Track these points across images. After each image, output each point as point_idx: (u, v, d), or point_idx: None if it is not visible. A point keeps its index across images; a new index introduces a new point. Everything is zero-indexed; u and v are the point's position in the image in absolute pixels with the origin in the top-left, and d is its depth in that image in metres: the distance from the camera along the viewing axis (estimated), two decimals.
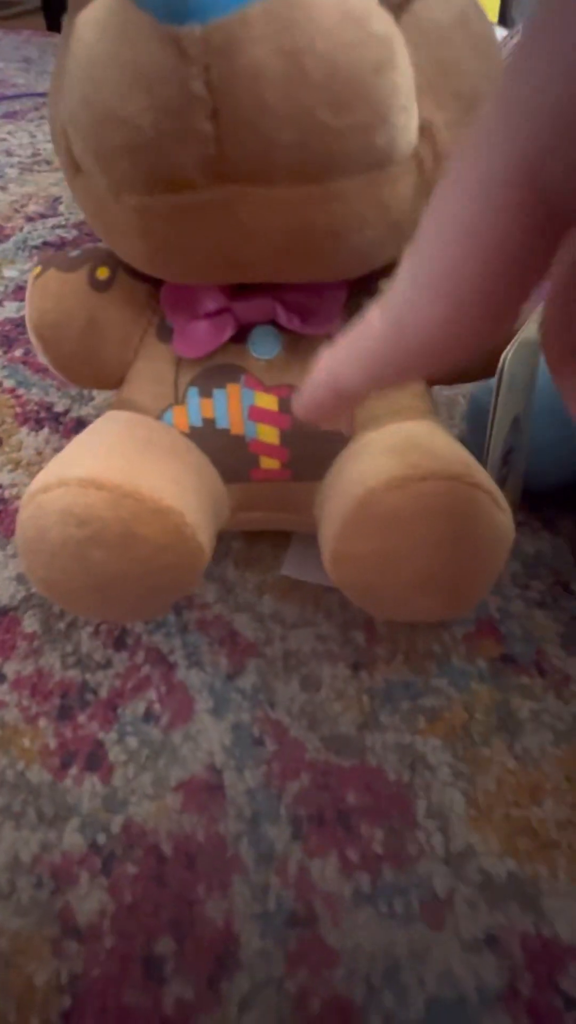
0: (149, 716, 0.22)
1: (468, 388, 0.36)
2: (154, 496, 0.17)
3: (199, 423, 0.21)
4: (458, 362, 0.11)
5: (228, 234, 0.16)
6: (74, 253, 0.23)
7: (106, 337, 0.22)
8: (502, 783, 0.21)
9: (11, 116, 0.76)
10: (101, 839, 0.19)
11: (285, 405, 0.20)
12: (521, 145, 0.08)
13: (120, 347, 0.22)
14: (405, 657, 0.24)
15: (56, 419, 0.33)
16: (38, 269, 0.23)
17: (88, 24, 0.14)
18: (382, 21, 0.13)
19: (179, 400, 0.21)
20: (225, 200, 0.15)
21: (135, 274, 0.22)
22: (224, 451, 0.21)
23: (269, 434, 0.21)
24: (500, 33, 0.44)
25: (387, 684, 0.23)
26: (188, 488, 0.19)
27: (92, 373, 0.23)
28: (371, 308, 0.12)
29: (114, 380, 0.23)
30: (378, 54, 0.13)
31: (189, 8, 0.12)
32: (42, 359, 0.24)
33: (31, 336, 0.23)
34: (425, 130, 0.16)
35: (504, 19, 0.54)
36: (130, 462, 0.18)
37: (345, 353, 0.13)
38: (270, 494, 0.22)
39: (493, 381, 0.28)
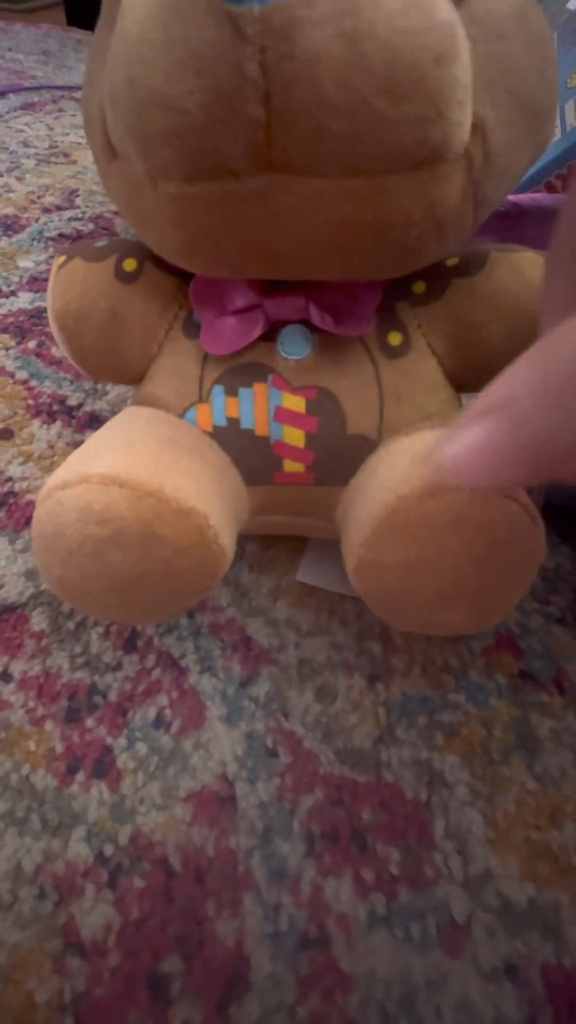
0: (159, 722, 0.21)
1: None
2: (177, 496, 0.17)
3: (223, 422, 0.20)
4: None
5: (268, 226, 0.15)
6: (100, 243, 0.23)
7: (130, 330, 0.22)
8: (521, 804, 0.20)
9: (29, 107, 0.76)
10: (108, 850, 0.18)
11: (312, 407, 0.20)
12: None
13: (143, 341, 0.22)
14: (422, 670, 0.24)
15: (69, 412, 0.33)
16: (62, 258, 0.22)
17: (138, 1, 0.13)
18: (446, 9, 0.13)
19: (203, 398, 0.20)
20: (269, 191, 0.14)
21: (163, 267, 0.21)
22: (247, 452, 0.20)
23: (294, 436, 0.20)
24: None
25: (404, 697, 0.23)
26: (210, 489, 0.18)
27: (112, 366, 0.23)
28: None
29: (135, 375, 0.23)
30: (441, 44, 0.13)
31: None
32: (62, 350, 0.23)
33: (52, 327, 0.23)
34: (477, 128, 0.15)
35: None
36: (153, 460, 0.18)
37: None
38: (292, 497, 0.21)
39: None
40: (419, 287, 0.21)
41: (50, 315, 0.22)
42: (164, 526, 0.17)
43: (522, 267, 0.20)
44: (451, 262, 0.21)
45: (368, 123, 0.13)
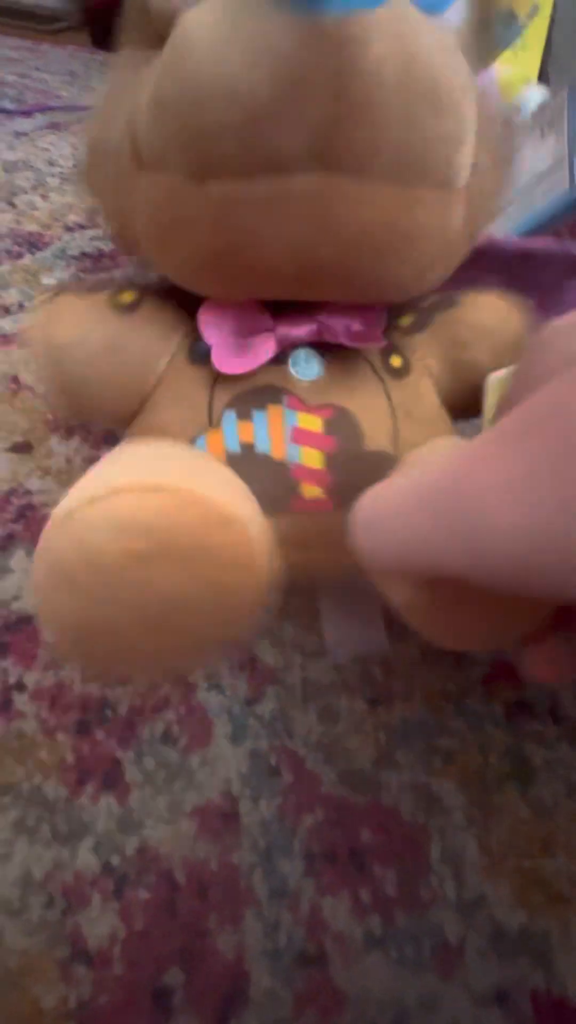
0: (167, 737, 0.22)
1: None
2: (223, 502, 0.15)
3: (236, 448, 0.19)
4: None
5: (311, 228, 0.16)
6: (91, 282, 0.22)
7: (126, 362, 0.20)
8: (515, 832, 0.21)
9: (55, 127, 0.78)
10: (115, 861, 0.19)
11: (329, 426, 0.20)
12: None
13: (140, 372, 0.20)
14: (422, 695, 0.24)
15: (86, 428, 0.34)
16: (47, 295, 0.21)
17: (202, 13, 0.14)
18: (462, 59, 0.15)
19: (214, 424, 0.19)
20: (318, 189, 0.16)
21: (163, 298, 0.21)
22: (264, 478, 0.19)
23: (313, 458, 0.19)
24: (540, 93, 0.46)
25: (403, 722, 0.23)
26: (248, 501, 0.17)
27: (97, 404, 0.21)
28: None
29: (122, 413, 0.21)
30: (464, 76, 0.15)
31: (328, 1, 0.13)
32: (43, 386, 0.21)
33: (35, 360, 0.21)
34: (475, 167, 0.17)
35: (543, 77, 0.56)
36: (186, 469, 0.16)
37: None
38: (312, 528, 0.20)
39: None
40: (405, 320, 0.23)
41: (33, 348, 0.21)
42: (212, 536, 0.14)
43: (493, 302, 0.23)
44: (428, 303, 0.23)
45: (416, 134, 0.15)
